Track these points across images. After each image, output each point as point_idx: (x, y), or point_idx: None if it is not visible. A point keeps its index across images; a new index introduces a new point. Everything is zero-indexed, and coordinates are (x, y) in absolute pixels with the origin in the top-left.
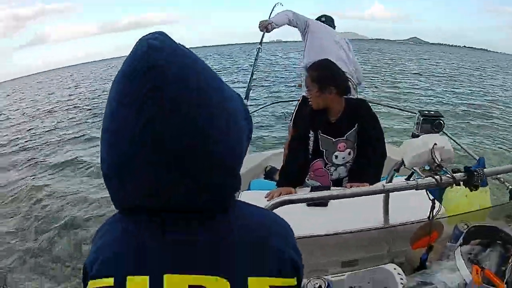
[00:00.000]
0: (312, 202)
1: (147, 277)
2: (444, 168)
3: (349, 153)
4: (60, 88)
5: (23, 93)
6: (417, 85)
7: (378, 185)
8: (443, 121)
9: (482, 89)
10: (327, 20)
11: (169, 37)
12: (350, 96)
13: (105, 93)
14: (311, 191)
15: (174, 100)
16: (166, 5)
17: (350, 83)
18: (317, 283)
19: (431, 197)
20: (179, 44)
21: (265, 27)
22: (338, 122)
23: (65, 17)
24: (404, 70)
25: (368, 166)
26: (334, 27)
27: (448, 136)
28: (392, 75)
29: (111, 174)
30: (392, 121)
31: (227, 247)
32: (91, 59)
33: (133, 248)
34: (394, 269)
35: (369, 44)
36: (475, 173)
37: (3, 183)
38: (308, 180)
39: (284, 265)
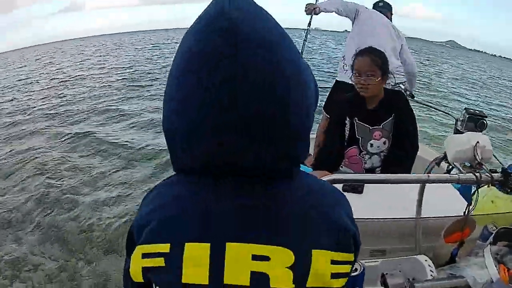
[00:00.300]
0: (348, 188)
1: (208, 245)
2: (483, 167)
3: (384, 143)
4: (93, 55)
5: (54, 58)
6: (453, 89)
7: (422, 176)
8: (486, 122)
9: None
10: (384, 7)
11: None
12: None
13: (138, 64)
14: (344, 185)
15: (252, 63)
16: None
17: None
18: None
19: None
20: (258, 5)
21: (312, 10)
22: (375, 110)
23: None
24: (441, 72)
25: (405, 158)
26: (391, 14)
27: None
28: (427, 75)
29: (178, 139)
30: (423, 122)
31: (291, 217)
32: (129, 29)
33: (196, 213)
34: (425, 260)
35: (409, 43)
36: (511, 174)
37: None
38: (342, 167)
39: (345, 239)
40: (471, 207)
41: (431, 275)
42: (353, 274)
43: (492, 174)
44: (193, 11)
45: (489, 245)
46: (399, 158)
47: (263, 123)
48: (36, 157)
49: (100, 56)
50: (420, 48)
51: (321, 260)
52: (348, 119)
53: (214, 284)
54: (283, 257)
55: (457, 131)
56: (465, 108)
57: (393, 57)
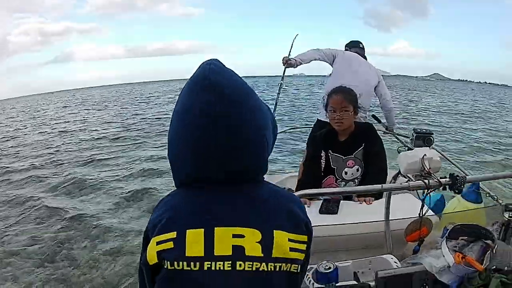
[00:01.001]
0: (324, 210)
1: (202, 230)
2: (432, 175)
3: (357, 170)
4: (87, 107)
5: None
6: (435, 120)
7: (377, 186)
8: (433, 138)
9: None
10: (357, 47)
11: (222, 64)
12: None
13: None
14: (322, 203)
15: (225, 111)
16: (191, 38)
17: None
18: (327, 265)
19: (421, 198)
20: (229, 69)
21: (286, 62)
22: (347, 141)
23: (90, 38)
24: (424, 107)
25: (373, 181)
26: (363, 49)
27: (439, 152)
28: (411, 110)
29: (178, 164)
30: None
31: (258, 209)
32: (118, 81)
33: (192, 210)
34: (391, 258)
35: (391, 80)
36: (457, 179)
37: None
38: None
39: (299, 225)
40: (424, 209)
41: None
42: (326, 271)
43: (440, 179)
44: (176, 65)
45: (445, 238)
46: (368, 181)
47: (235, 150)
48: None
49: (86, 109)
50: (405, 83)
51: (281, 238)
52: (323, 152)
53: (208, 255)
54: (254, 235)
55: (408, 149)
56: (413, 129)
57: (371, 93)
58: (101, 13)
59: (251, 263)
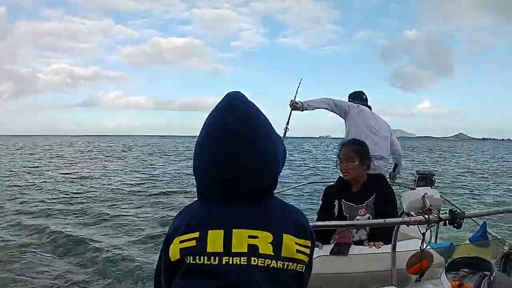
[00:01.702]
0: (335, 251)
1: (222, 231)
2: (433, 211)
3: (369, 218)
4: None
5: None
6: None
7: (380, 221)
8: (434, 178)
9: None
10: (356, 97)
11: (245, 96)
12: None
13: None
14: (333, 246)
15: (252, 138)
16: (218, 94)
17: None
18: None
19: (422, 231)
20: (250, 101)
21: (293, 105)
22: (360, 191)
23: (117, 87)
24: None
25: (383, 229)
26: (366, 100)
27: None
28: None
29: (200, 181)
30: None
31: (271, 215)
32: (143, 132)
33: (212, 214)
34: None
35: (416, 142)
36: (456, 214)
37: None
38: (332, 242)
39: (304, 232)
40: (425, 243)
41: None
42: None
43: (440, 215)
44: (200, 119)
45: (444, 269)
46: (378, 229)
47: (257, 169)
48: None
49: (108, 156)
50: (430, 146)
51: (289, 241)
52: (336, 200)
53: (226, 251)
54: (266, 237)
55: (411, 189)
56: (416, 171)
57: (388, 144)
58: (129, 62)
59: (264, 259)
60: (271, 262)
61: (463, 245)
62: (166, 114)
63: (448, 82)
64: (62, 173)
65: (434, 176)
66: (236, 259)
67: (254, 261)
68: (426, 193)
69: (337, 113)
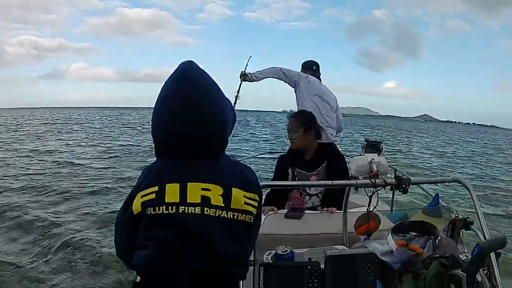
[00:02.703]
0: (290, 215)
1: (178, 184)
2: (380, 176)
3: None
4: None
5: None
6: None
7: (328, 182)
8: (382, 146)
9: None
10: (307, 67)
11: (197, 65)
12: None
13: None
14: (287, 212)
15: (202, 102)
16: (177, 62)
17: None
18: (284, 249)
19: (368, 194)
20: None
21: (243, 76)
22: (311, 159)
23: (84, 59)
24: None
25: (334, 193)
26: (317, 70)
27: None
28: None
29: (158, 139)
30: None
31: (221, 170)
32: (109, 104)
33: (170, 171)
34: (343, 248)
35: (381, 121)
36: (402, 180)
37: None
38: (287, 208)
39: (252, 186)
40: (371, 204)
41: None
42: (283, 253)
43: (386, 180)
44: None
45: (390, 230)
46: (330, 193)
47: (205, 126)
48: None
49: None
50: (395, 124)
51: (237, 194)
52: (290, 168)
53: (182, 201)
54: (217, 189)
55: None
56: (365, 139)
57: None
58: (96, 34)
59: (215, 210)
60: (222, 212)
61: (416, 214)
62: (130, 85)
63: (415, 64)
64: (22, 148)
65: (382, 144)
66: (191, 209)
67: (207, 211)
68: (373, 158)
69: (287, 83)
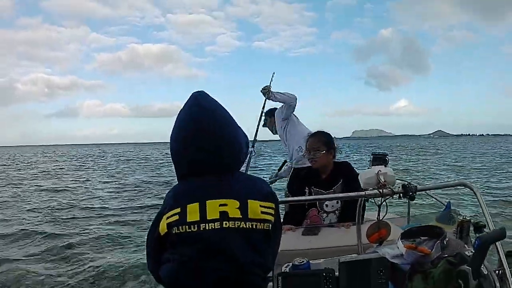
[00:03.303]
0: (306, 232)
1: (198, 203)
2: (387, 186)
3: (337, 202)
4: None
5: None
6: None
7: (340, 195)
8: (387, 158)
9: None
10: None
11: (207, 93)
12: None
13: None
14: (304, 229)
15: (214, 121)
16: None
17: None
18: (300, 260)
19: (378, 203)
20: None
21: (267, 91)
22: (327, 178)
23: (96, 95)
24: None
25: (350, 210)
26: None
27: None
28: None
29: (178, 163)
30: None
31: (236, 185)
32: (122, 140)
33: (189, 191)
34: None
35: (395, 141)
36: (408, 187)
37: None
38: (304, 226)
39: (267, 196)
40: (381, 214)
41: None
42: (299, 264)
43: (393, 189)
44: None
45: (400, 235)
46: (347, 210)
47: (222, 148)
48: None
49: (87, 167)
50: (410, 143)
51: (254, 205)
52: (306, 187)
53: (202, 219)
54: (234, 203)
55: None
56: (371, 153)
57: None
58: (106, 69)
59: (234, 222)
60: (241, 223)
61: (431, 223)
62: (143, 120)
63: (424, 80)
64: (40, 185)
65: (387, 156)
66: (211, 225)
67: (226, 224)
68: (380, 170)
69: (289, 111)
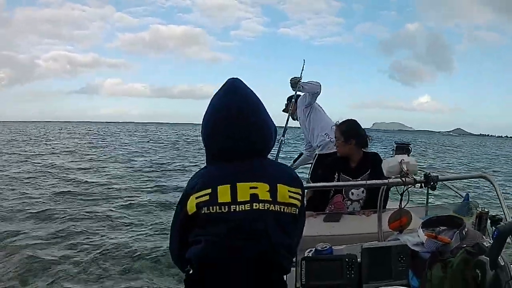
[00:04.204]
0: (327, 219)
1: (229, 185)
2: (409, 175)
3: (363, 191)
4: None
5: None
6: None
7: (362, 182)
8: (411, 148)
9: None
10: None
11: (242, 81)
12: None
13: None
14: (326, 216)
15: (248, 109)
16: (216, 82)
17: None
18: (323, 245)
19: (400, 192)
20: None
21: (297, 82)
22: (356, 167)
23: (117, 74)
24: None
25: (375, 199)
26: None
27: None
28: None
29: (211, 146)
30: None
31: (266, 169)
32: (143, 119)
33: (220, 174)
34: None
35: (415, 135)
36: (430, 177)
37: None
38: (328, 211)
39: (295, 181)
40: (403, 203)
41: None
42: (322, 249)
43: (415, 178)
44: (198, 107)
45: (421, 224)
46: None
47: (252, 136)
48: None
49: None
50: (429, 139)
51: (282, 189)
52: (336, 173)
53: (233, 201)
54: (264, 186)
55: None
56: (394, 142)
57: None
58: (129, 49)
59: (264, 204)
60: (270, 206)
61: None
62: (165, 101)
63: (447, 78)
64: (64, 162)
65: (410, 146)
66: (242, 206)
67: (256, 205)
68: (403, 159)
69: (314, 99)
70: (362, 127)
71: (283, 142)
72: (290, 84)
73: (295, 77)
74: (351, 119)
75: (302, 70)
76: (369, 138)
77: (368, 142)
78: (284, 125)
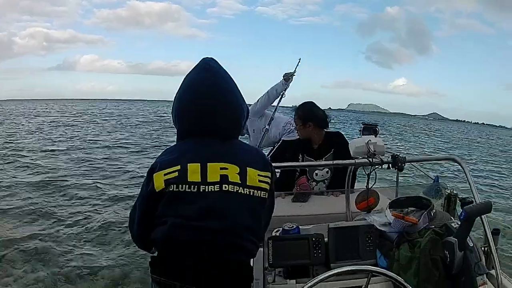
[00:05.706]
0: (295, 199)
1: (199, 164)
2: (376, 156)
3: (327, 172)
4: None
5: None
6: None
7: (328, 162)
8: (378, 129)
9: None
10: None
11: (216, 61)
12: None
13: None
14: (293, 196)
15: (219, 86)
16: (192, 59)
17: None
18: (290, 225)
19: (367, 172)
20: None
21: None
22: (318, 148)
23: (95, 51)
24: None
25: (339, 179)
26: None
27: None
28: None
29: (181, 122)
30: None
31: (236, 151)
32: (117, 96)
33: (190, 151)
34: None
35: (390, 118)
36: (397, 158)
37: None
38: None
39: (265, 165)
40: (370, 183)
41: None
42: (289, 229)
43: (382, 158)
44: (171, 84)
45: (388, 204)
46: (337, 180)
47: (223, 114)
48: None
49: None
50: (404, 123)
51: (252, 172)
52: (300, 155)
53: (203, 181)
54: (234, 168)
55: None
56: (361, 122)
57: None
58: (106, 25)
59: (233, 186)
60: (239, 188)
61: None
62: (140, 78)
63: (426, 62)
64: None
65: (378, 127)
66: (211, 187)
67: (225, 187)
68: (370, 140)
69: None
70: (321, 108)
71: (268, 131)
72: (283, 78)
73: (289, 72)
74: (307, 102)
75: (297, 66)
76: (328, 118)
77: (328, 122)
78: (272, 116)
